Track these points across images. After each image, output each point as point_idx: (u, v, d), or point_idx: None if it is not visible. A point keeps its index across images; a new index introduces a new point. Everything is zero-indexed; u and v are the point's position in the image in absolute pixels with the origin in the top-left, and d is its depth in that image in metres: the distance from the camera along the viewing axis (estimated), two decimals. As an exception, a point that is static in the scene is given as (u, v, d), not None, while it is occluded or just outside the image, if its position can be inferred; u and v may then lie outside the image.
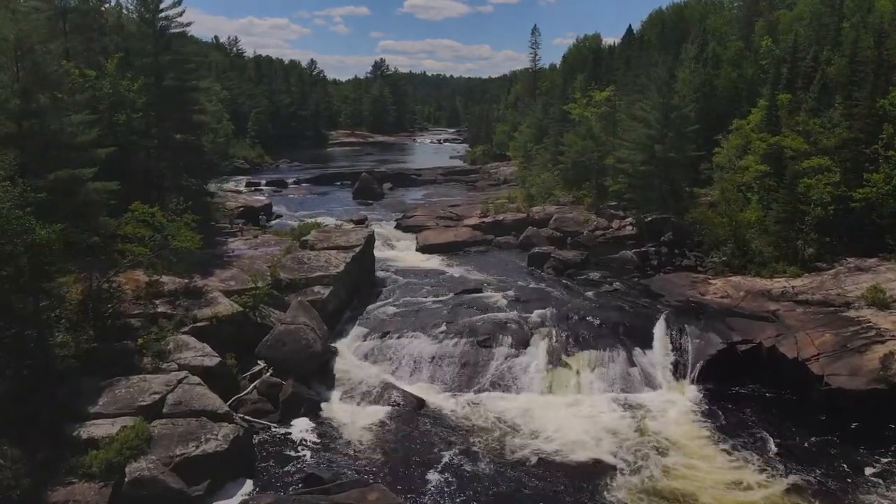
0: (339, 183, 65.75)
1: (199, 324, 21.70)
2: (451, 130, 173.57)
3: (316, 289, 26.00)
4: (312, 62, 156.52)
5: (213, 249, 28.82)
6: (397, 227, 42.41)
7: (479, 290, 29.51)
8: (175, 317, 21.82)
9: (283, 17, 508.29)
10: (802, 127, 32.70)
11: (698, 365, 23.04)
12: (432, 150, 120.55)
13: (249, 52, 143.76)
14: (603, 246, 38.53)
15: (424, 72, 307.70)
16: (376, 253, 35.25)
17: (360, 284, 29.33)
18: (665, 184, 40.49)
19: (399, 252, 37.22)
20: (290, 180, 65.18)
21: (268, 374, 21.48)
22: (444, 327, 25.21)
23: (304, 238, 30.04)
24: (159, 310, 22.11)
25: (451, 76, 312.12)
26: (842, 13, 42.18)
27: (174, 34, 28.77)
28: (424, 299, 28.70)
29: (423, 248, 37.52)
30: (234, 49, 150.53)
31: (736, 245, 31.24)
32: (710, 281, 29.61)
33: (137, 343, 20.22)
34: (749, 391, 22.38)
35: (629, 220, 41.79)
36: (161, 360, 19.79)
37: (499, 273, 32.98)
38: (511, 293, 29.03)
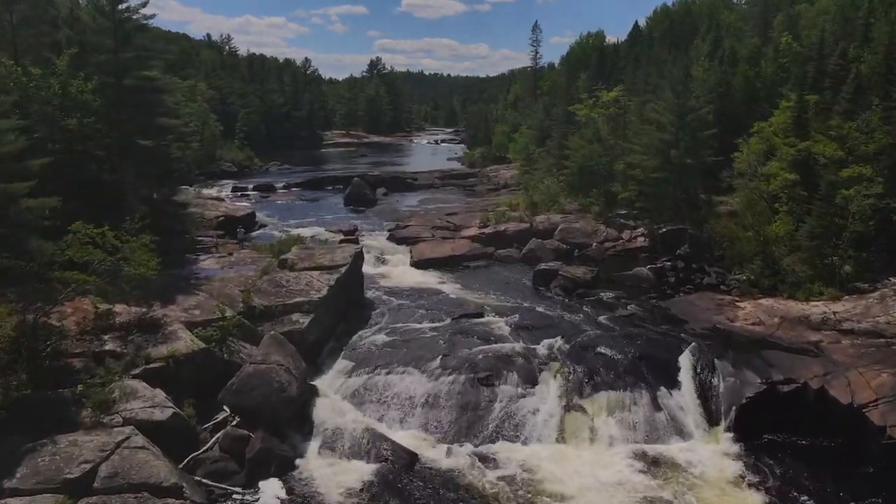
0: (330, 187, 62.55)
1: (152, 365, 18.51)
2: (449, 130, 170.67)
3: (294, 317, 22.83)
4: (307, 60, 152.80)
5: (180, 270, 25.67)
6: (390, 238, 39.17)
7: (480, 315, 26.36)
8: (125, 356, 18.67)
9: (281, 16, 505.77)
10: (836, 131, 29.62)
11: (734, 409, 19.91)
12: (429, 150, 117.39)
13: (245, 51, 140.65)
14: (614, 260, 35.49)
15: (422, 71, 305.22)
16: (366, 269, 32.11)
17: (346, 308, 26.18)
18: (680, 192, 37.49)
19: (391, 268, 34.02)
20: (279, 185, 61.94)
21: (233, 423, 18.29)
22: (439, 361, 22.08)
23: (283, 257, 26.80)
24: (107, 347, 18.92)
25: (449, 75, 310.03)
26: (870, 7, 39.07)
27: (136, 27, 25.53)
28: (418, 325, 25.56)
29: (418, 264, 34.32)
30: (228, 47, 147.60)
31: (764, 262, 28.17)
32: (737, 304, 26.51)
33: (77, 390, 17.08)
34: (795, 441, 19.23)
35: (641, 230, 38.73)
36: (103, 412, 16.64)
37: (501, 293, 29.82)
38: (515, 318, 25.90)
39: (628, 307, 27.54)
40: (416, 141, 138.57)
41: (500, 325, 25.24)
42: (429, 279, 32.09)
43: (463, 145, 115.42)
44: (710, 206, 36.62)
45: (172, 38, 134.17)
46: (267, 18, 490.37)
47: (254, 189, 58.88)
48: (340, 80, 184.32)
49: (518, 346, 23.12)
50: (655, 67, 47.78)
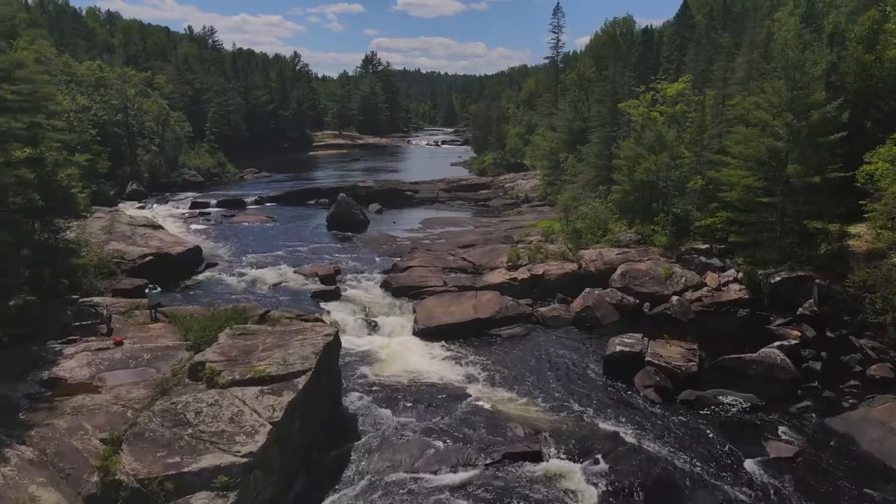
0: (313, 202, 51.45)
1: None
2: (449, 130, 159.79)
3: (199, 501, 11.88)
4: (296, 55, 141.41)
5: (10, 385, 14.59)
6: (384, 286, 27.91)
7: (536, 457, 15.45)
8: None
9: (277, 14, 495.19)
10: None
11: None
12: (428, 153, 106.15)
13: (231, 46, 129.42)
14: (703, 321, 25.05)
15: (419, 69, 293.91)
16: (349, 342, 21.44)
17: (309, 445, 15.24)
18: (792, 221, 26.68)
19: (386, 339, 22.91)
20: (251, 199, 50.67)
21: None
22: (477, 591, 11.25)
23: (199, 358, 15.64)
24: None
25: (446, 73, 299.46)
26: None
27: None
28: (432, 477, 14.71)
29: (425, 332, 23.16)
30: (211, 41, 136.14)
31: None
32: (971, 434, 15.68)
33: None
34: None
35: (731, 273, 28.03)
36: None
37: (560, 395, 18.81)
38: (598, 463, 15.07)
39: (780, 433, 16.63)
40: (413, 142, 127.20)
41: (576, 482, 14.42)
42: (443, 364, 21.00)
43: (466, 146, 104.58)
44: (841, 242, 25.77)
45: (150, 31, 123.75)
46: (263, 17, 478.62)
47: (218, 205, 47.66)
48: (335, 77, 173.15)
49: (622, 547, 12.30)
50: (725, 53, 37.03)
